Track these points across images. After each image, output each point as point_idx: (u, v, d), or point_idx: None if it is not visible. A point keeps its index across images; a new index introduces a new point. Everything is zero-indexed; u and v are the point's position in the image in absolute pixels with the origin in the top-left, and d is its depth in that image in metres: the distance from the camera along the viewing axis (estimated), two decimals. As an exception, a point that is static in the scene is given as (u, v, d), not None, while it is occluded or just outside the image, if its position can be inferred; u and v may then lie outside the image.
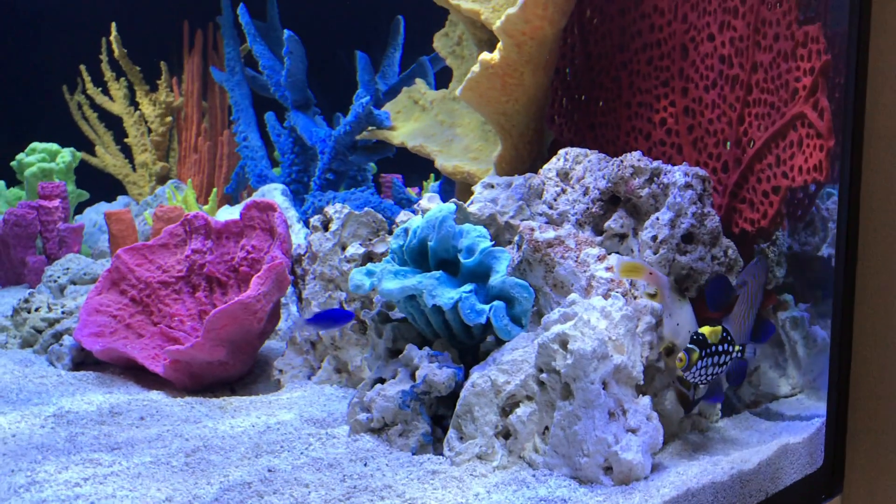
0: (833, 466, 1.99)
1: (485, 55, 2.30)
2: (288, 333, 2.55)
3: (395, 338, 1.99)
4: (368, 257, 2.40)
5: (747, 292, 1.82)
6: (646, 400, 1.70)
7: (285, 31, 3.49)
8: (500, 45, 2.27)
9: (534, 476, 1.62)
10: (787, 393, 2.19)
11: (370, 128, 3.37)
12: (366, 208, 2.53)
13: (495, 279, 1.87)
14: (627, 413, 1.65)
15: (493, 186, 2.31)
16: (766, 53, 2.04)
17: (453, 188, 3.02)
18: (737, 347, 1.77)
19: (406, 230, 2.02)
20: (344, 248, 2.48)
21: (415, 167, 3.75)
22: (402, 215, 2.34)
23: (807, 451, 1.90)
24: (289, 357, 2.42)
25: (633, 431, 1.63)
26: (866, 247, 1.90)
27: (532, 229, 1.98)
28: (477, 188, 2.33)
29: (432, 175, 4.44)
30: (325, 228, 2.58)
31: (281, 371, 2.41)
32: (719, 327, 1.74)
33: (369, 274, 1.98)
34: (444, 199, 2.29)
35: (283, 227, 2.48)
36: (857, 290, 1.93)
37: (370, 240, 2.48)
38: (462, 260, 1.91)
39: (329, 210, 2.51)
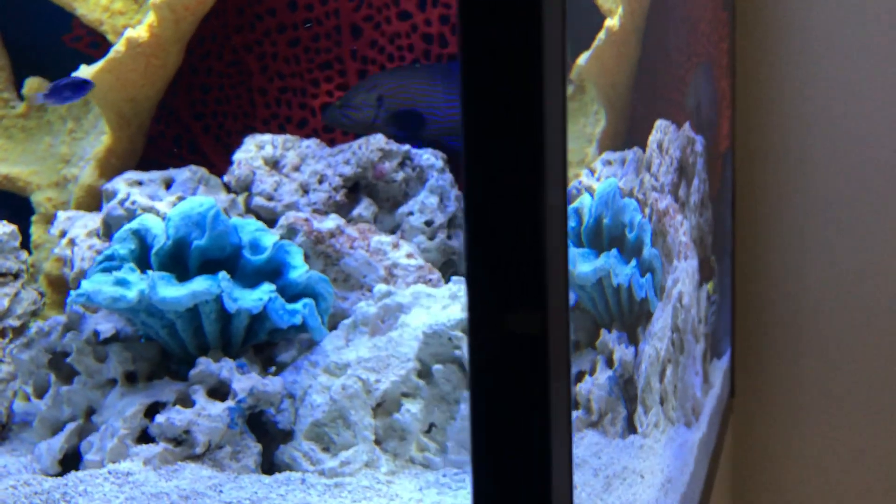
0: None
1: (132, 32, 1.86)
2: None
3: (134, 359, 1.56)
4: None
5: None
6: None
7: None
8: (150, 20, 1.86)
9: (447, 476, 1.41)
10: None
11: None
12: None
13: (297, 275, 1.57)
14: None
15: (140, 183, 1.88)
16: None
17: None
18: None
19: (136, 232, 1.55)
20: None
21: None
22: None
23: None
24: None
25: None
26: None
27: (307, 220, 1.69)
28: (121, 187, 1.86)
29: None
30: None
31: None
32: None
33: (122, 284, 1.45)
34: None
35: None
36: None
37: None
38: (249, 257, 1.56)
39: None
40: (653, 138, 2.20)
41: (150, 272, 1.45)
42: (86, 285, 1.46)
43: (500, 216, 0.62)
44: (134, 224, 1.56)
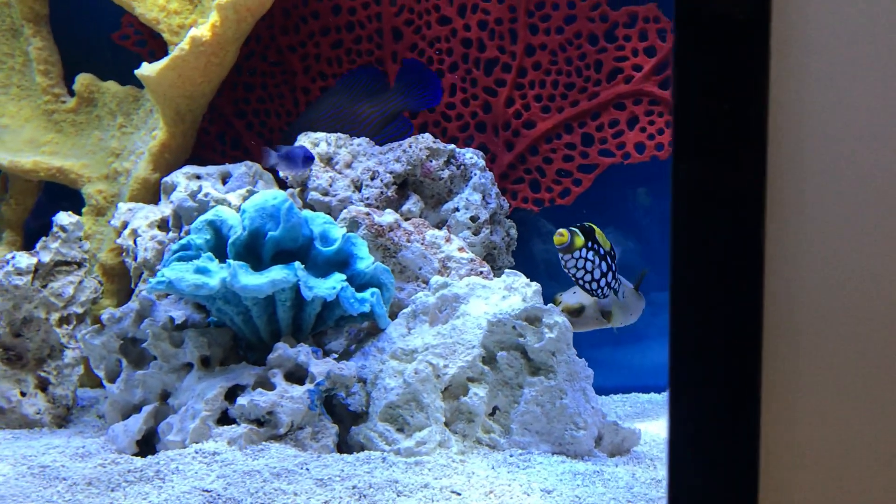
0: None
1: (196, 31, 1.92)
2: None
3: (209, 344, 1.63)
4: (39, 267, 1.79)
5: None
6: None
7: None
8: (214, 20, 1.92)
9: (514, 456, 1.49)
10: None
11: None
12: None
13: (364, 265, 1.66)
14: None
15: (198, 177, 1.96)
16: (553, 36, 2.16)
17: None
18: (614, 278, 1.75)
19: (212, 223, 1.63)
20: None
21: None
22: None
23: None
24: None
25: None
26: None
27: (368, 213, 1.78)
28: (181, 180, 1.94)
29: None
30: None
31: None
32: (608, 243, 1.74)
33: (203, 272, 1.53)
34: None
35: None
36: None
37: (36, 250, 1.81)
38: (319, 248, 1.64)
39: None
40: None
41: (230, 261, 1.52)
42: (167, 273, 1.53)
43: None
44: (209, 215, 1.64)
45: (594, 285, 1.70)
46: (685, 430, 0.71)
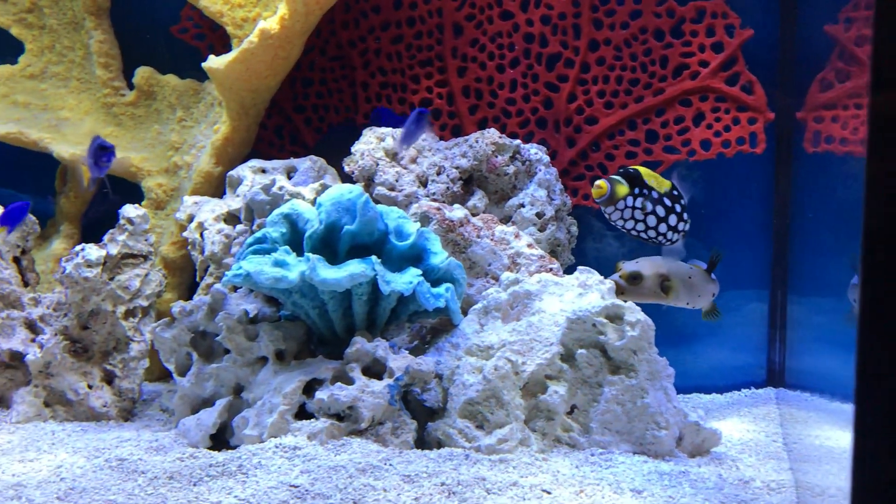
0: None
1: (265, 24, 1.91)
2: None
3: (284, 338, 1.62)
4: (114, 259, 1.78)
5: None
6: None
7: None
8: (283, 13, 1.91)
9: (595, 455, 1.47)
10: None
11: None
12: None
13: (439, 260, 1.64)
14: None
15: (263, 171, 1.95)
16: (617, 31, 2.15)
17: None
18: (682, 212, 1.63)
19: (287, 216, 1.62)
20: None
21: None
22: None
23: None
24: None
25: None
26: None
27: (439, 208, 1.76)
28: (247, 174, 1.93)
29: None
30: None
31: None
32: (667, 181, 1.63)
33: (281, 265, 1.52)
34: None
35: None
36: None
37: (104, 242, 1.80)
38: (395, 242, 1.62)
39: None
40: (367, 148, 1.94)
41: (308, 254, 1.51)
42: (245, 265, 1.52)
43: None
44: (286, 208, 1.62)
45: (651, 233, 1.60)
46: (877, 423, 0.69)
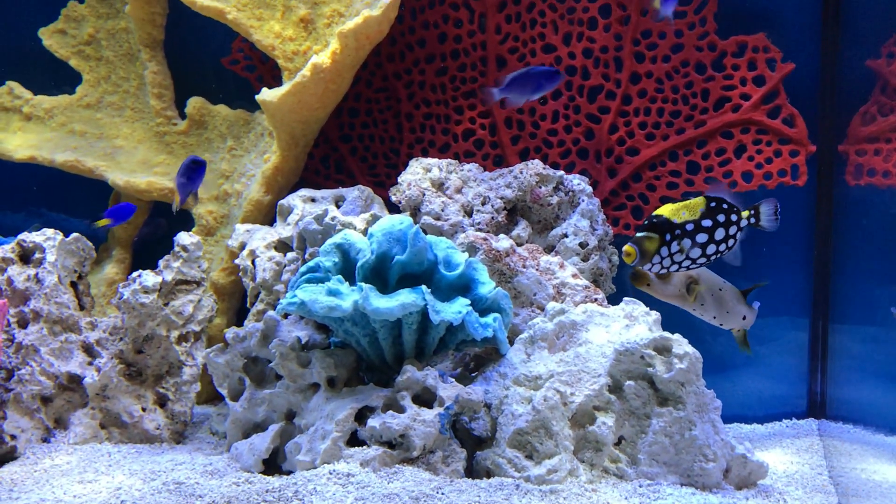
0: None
1: (317, 58, 1.96)
2: None
3: (336, 365, 1.66)
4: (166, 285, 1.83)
5: None
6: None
7: None
8: (334, 47, 1.96)
9: (643, 487, 1.49)
10: None
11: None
12: (74, 234, 1.94)
13: (486, 290, 1.67)
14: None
15: (313, 200, 1.99)
16: (659, 64, 2.18)
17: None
18: (745, 213, 1.59)
19: (340, 246, 1.66)
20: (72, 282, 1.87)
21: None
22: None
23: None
24: (13, 420, 1.80)
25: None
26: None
27: (486, 238, 1.80)
28: (297, 203, 1.98)
29: None
30: (25, 261, 1.87)
31: (11, 437, 1.77)
32: (699, 199, 1.57)
33: (335, 294, 1.56)
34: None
35: None
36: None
37: (160, 269, 1.86)
38: (443, 272, 1.66)
39: (32, 238, 1.88)
40: (414, 178, 1.98)
41: (361, 284, 1.55)
42: (300, 294, 1.56)
43: None
44: (338, 238, 1.67)
45: (702, 260, 1.58)
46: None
